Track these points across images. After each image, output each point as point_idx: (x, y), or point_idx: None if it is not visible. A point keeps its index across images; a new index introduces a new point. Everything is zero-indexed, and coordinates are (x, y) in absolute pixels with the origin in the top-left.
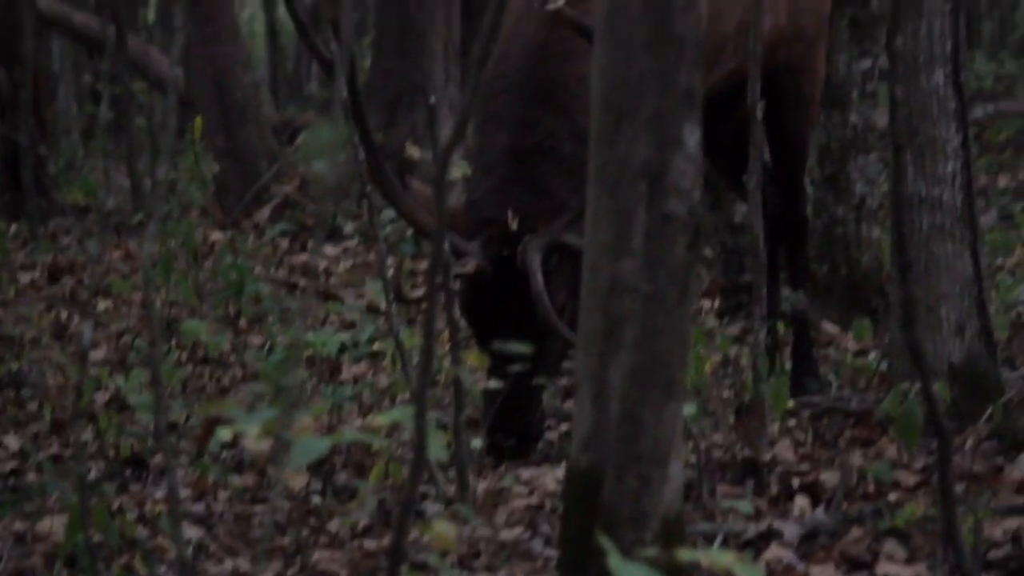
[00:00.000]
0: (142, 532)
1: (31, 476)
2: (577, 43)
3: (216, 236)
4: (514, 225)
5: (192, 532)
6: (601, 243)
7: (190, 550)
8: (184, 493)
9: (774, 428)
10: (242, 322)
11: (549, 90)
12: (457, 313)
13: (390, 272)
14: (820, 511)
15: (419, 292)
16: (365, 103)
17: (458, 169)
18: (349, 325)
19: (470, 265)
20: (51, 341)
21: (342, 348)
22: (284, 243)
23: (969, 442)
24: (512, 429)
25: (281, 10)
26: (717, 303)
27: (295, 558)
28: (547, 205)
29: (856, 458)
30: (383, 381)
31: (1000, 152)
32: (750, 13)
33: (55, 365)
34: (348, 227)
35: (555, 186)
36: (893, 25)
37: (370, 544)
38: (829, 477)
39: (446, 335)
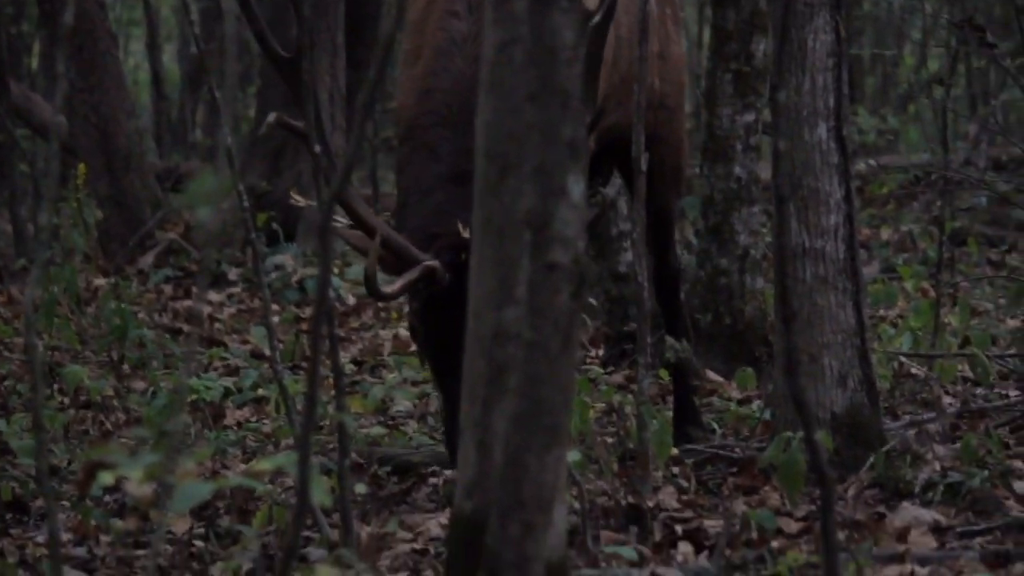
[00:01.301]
0: (23, 575)
1: None
2: None
3: (100, 282)
4: (466, 233)
5: None
6: (485, 291)
7: None
8: (66, 537)
9: (658, 475)
10: (125, 367)
11: None
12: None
13: (275, 318)
14: (703, 558)
15: (391, 289)
16: (249, 152)
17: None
18: (233, 371)
19: (430, 263)
20: None
21: (226, 393)
22: (168, 289)
23: (851, 490)
24: None
25: (166, 58)
26: (602, 351)
27: None
28: None
29: (739, 505)
30: (267, 426)
31: (883, 205)
32: (634, 67)
33: None
34: (232, 273)
35: None
36: (776, 79)
37: None
38: (712, 524)
39: (330, 380)
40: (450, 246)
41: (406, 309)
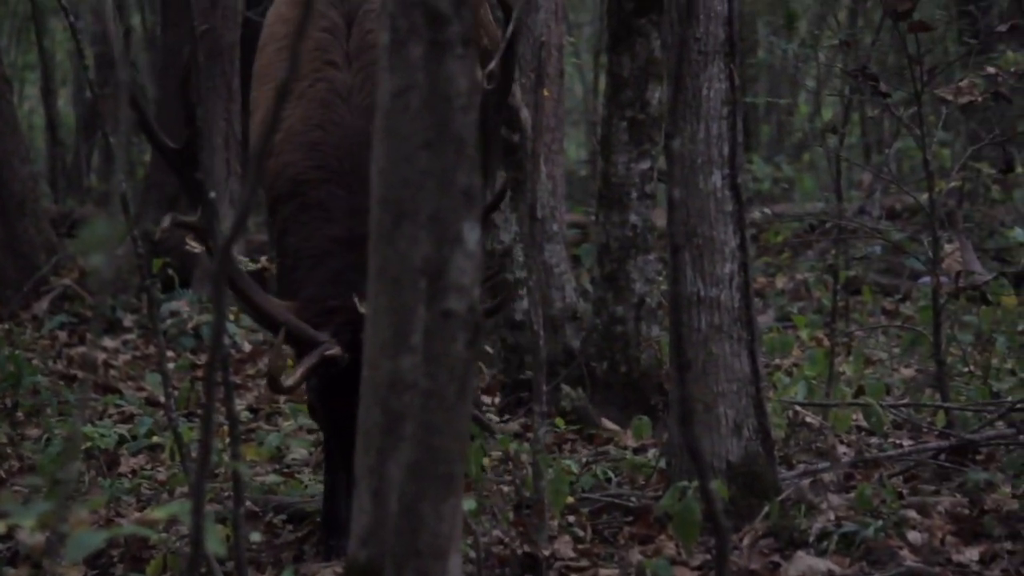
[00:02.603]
0: None
1: None
2: None
3: None
4: (363, 308)
5: None
6: (381, 339)
7: None
8: None
9: (553, 524)
10: (19, 414)
11: None
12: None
13: (170, 365)
14: None
15: (292, 380)
16: (145, 198)
17: (240, 263)
18: (128, 418)
19: (330, 350)
20: None
21: (121, 441)
22: (63, 335)
23: (746, 539)
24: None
25: (61, 103)
26: (498, 399)
27: None
28: None
29: (635, 554)
30: (162, 474)
31: (777, 254)
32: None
33: None
34: (128, 320)
35: None
36: (671, 127)
37: None
38: (608, 573)
39: (225, 428)
40: (347, 323)
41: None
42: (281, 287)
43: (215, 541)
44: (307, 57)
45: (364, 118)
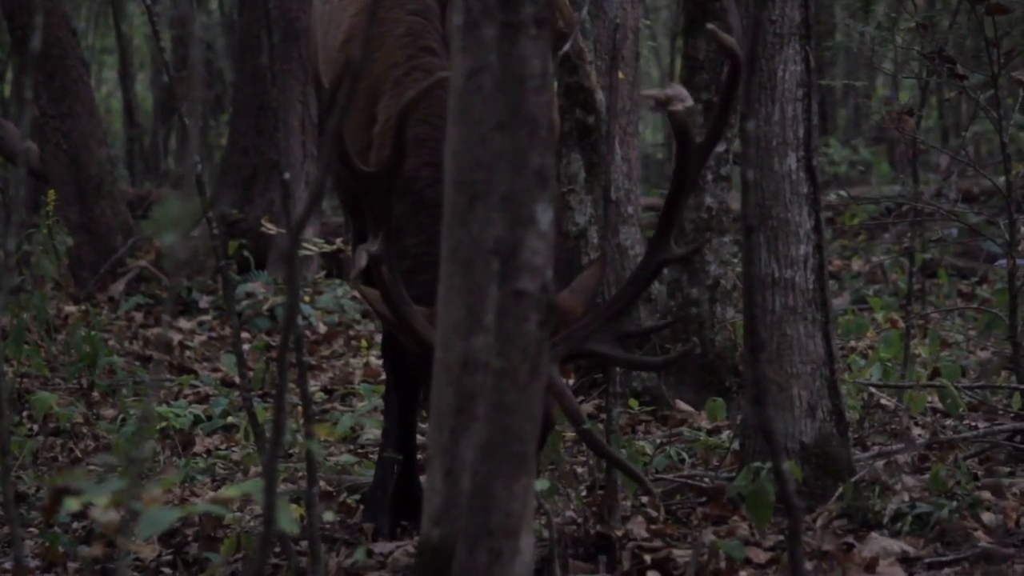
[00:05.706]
0: None
1: None
2: None
3: (70, 309)
4: None
5: None
6: (453, 320)
7: None
8: (33, 564)
9: (627, 504)
10: (95, 394)
11: None
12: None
13: (246, 346)
14: None
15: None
16: (221, 180)
17: (312, 245)
18: (203, 399)
19: None
20: None
21: (196, 421)
22: (139, 316)
23: (820, 520)
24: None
25: (139, 86)
26: (572, 381)
27: None
28: None
29: (708, 535)
30: (237, 454)
31: (854, 236)
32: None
33: None
34: (203, 301)
35: None
36: (746, 109)
37: None
38: (681, 553)
39: (299, 409)
40: None
41: (376, 338)
42: (405, 288)
43: (288, 520)
44: (397, 43)
45: None
